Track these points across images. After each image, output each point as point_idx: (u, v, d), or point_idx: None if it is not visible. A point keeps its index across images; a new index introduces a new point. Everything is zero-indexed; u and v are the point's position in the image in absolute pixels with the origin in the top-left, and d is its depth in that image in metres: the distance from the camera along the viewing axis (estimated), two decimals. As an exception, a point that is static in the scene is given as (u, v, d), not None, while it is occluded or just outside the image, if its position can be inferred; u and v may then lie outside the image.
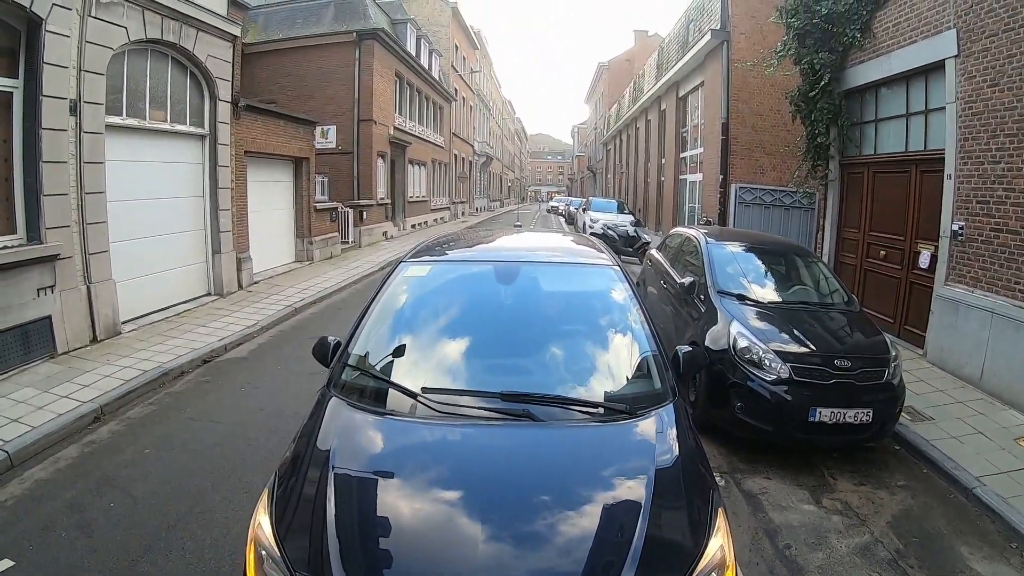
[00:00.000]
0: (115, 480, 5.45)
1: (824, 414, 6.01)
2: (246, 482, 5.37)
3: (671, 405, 3.24)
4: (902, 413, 6.67)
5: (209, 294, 12.52)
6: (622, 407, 3.17)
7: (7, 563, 4.14)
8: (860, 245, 11.87)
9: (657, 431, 3.00)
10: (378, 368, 3.48)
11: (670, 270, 9.37)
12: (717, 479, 5.75)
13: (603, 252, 5.20)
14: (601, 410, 3.17)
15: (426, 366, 3.48)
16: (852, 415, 6.03)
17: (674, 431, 3.02)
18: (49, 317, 8.09)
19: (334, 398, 3.22)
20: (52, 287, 8.17)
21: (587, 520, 2.46)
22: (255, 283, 14.30)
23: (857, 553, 4.81)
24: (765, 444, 6.41)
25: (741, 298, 7.39)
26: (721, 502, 2.72)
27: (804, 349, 6.40)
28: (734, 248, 8.47)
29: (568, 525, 2.44)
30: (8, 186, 7.99)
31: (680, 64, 23.73)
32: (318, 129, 20.84)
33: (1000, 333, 7.90)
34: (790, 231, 17.09)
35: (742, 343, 6.52)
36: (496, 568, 2.25)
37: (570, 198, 69.72)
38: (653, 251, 11.23)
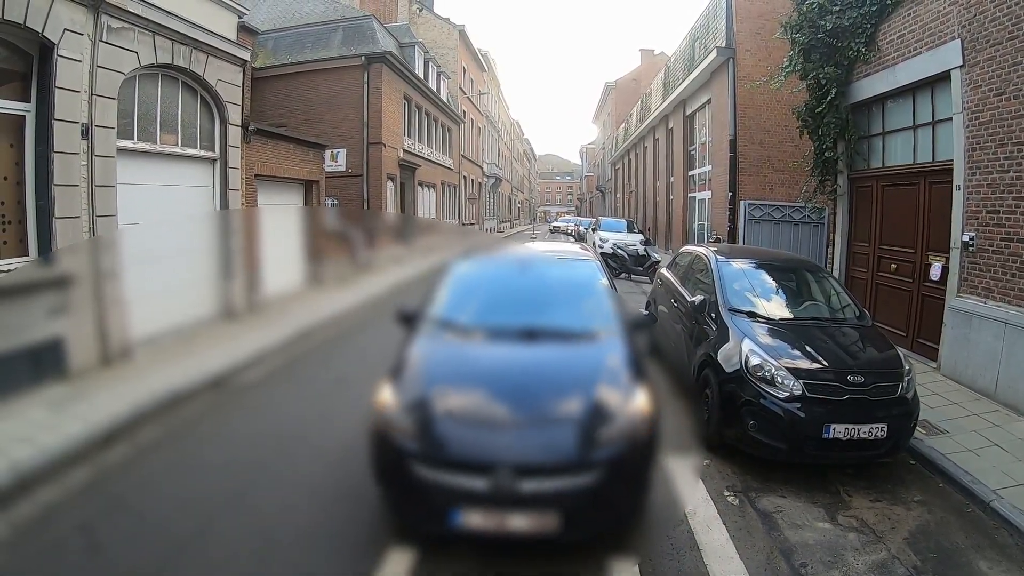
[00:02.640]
0: (126, 502, 5.43)
1: (838, 430, 5.95)
2: (255, 505, 5.34)
3: (619, 336, 4.90)
4: (917, 427, 6.61)
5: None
6: (591, 334, 4.84)
7: (17, 583, 4.12)
8: (871, 259, 11.82)
9: (609, 348, 4.69)
10: (444, 318, 4.95)
11: (680, 289, 9.32)
12: (731, 498, 5.86)
13: (588, 252, 7.85)
14: (579, 336, 4.81)
15: (473, 316, 5.06)
16: (867, 431, 5.98)
17: (620, 349, 4.68)
18: (60, 339, 8.12)
19: (417, 335, 4.63)
20: (64, 309, 8.20)
21: (559, 394, 3.99)
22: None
23: (874, 570, 4.75)
24: (779, 462, 6.34)
25: (752, 315, 7.35)
26: (646, 384, 4.17)
27: (816, 365, 6.37)
28: (744, 265, 8.44)
29: (546, 393, 4.00)
30: (20, 209, 8.08)
31: (686, 82, 23.78)
32: (327, 152, 20.97)
33: (1014, 344, 7.84)
34: (800, 247, 17.01)
35: (754, 360, 6.47)
36: (510, 417, 3.78)
37: (579, 218, 69.82)
38: (663, 270, 11.17)
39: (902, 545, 5.12)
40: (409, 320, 5.13)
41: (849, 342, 7.04)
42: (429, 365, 4.46)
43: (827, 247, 14.41)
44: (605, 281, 6.48)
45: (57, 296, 8.20)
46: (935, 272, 9.62)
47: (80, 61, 8.62)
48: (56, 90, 8.22)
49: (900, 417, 6.17)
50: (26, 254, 8.11)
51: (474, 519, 3.71)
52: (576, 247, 8.42)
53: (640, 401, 4.10)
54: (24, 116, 8.13)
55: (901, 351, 6.94)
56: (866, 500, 5.90)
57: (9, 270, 7.63)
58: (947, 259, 9.26)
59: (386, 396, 4.04)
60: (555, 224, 73.16)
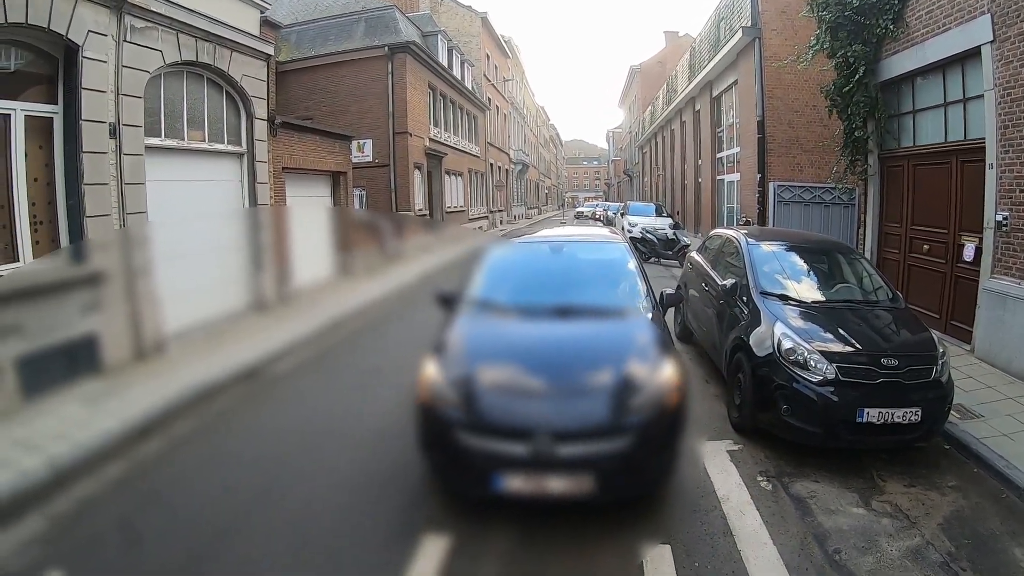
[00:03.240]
0: (160, 495, 5.51)
1: (872, 415, 5.88)
2: (287, 497, 5.40)
3: (649, 314, 5.64)
4: (951, 411, 6.52)
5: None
6: (620, 311, 5.52)
7: (57, 575, 4.21)
8: (903, 240, 11.64)
9: (638, 324, 5.31)
10: (483, 298, 5.49)
11: (711, 272, 9.27)
12: (764, 483, 5.83)
13: (617, 234, 8.44)
14: (609, 313, 5.45)
15: (510, 296, 5.61)
16: (901, 415, 5.90)
17: (648, 325, 5.36)
18: (94, 335, 8.26)
19: (458, 315, 5.15)
20: (97, 306, 8.35)
21: (592, 366, 4.40)
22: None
23: (908, 557, 4.69)
24: (813, 447, 6.28)
25: (784, 298, 7.29)
26: (673, 355, 4.79)
27: (850, 348, 6.30)
28: (775, 248, 8.36)
29: (580, 366, 4.42)
30: (51, 209, 8.26)
31: (712, 64, 23.53)
32: (354, 143, 21.03)
33: (1051, 326, 7.69)
34: (831, 228, 16.79)
35: (787, 344, 6.41)
36: (547, 388, 4.25)
37: (607, 203, 69.39)
38: (693, 253, 11.08)
39: (936, 531, 5.06)
40: (448, 302, 5.62)
41: (882, 325, 6.96)
42: (470, 342, 4.91)
43: (858, 228, 14.21)
44: (634, 262, 6.89)
45: (90, 293, 8.34)
46: (968, 253, 9.44)
47: (105, 62, 8.75)
48: (83, 91, 8.37)
49: (934, 401, 6.08)
50: (58, 253, 8.18)
51: (515, 483, 4.06)
52: (605, 230, 8.92)
53: (668, 373, 4.51)
54: (52, 118, 8.31)
55: (935, 334, 6.84)
56: (900, 485, 5.83)
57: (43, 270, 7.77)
58: (980, 239, 9.08)
59: (431, 371, 4.46)
60: (580, 210, 72.40)
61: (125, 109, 9.19)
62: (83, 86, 8.40)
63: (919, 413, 5.93)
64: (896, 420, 5.91)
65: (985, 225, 8.87)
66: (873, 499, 5.57)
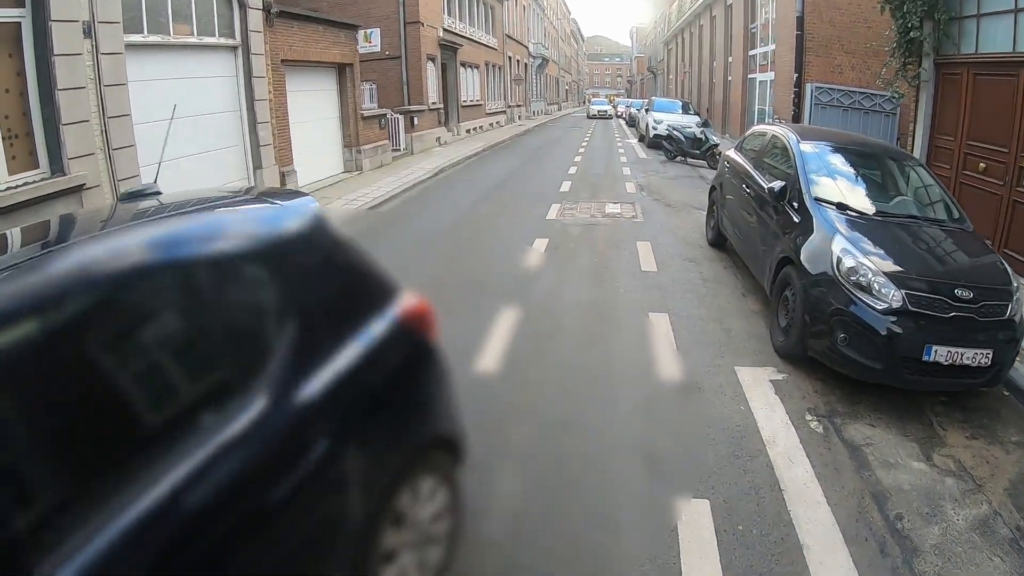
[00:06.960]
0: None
1: (941, 353, 5.14)
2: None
3: None
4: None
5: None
6: None
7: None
8: (956, 155, 10.66)
9: None
10: None
11: (753, 173, 8.46)
12: (814, 424, 5.19)
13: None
14: None
15: None
16: (971, 356, 5.16)
17: None
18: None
19: None
20: (80, 219, 7.97)
21: None
22: (301, 196, 13.98)
23: (975, 529, 4.04)
24: (866, 383, 5.58)
25: (841, 207, 6.46)
26: None
27: (918, 273, 5.54)
28: (829, 149, 7.56)
29: None
30: (26, 120, 7.79)
31: (749, -49, 22.37)
32: (360, 32, 20.14)
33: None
34: (868, 136, 16.05)
35: (848, 262, 5.62)
36: None
37: (628, 99, 67.45)
38: (731, 152, 10.24)
39: (1003, 497, 4.40)
40: None
41: (952, 249, 6.21)
42: None
43: (898, 139, 13.32)
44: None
45: (73, 206, 7.70)
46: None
47: (74, -48, 8.09)
48: (50, -11, 7.76)
49: (1005, 343, 5.34)
50: (36, 166, 7.83)
51: None
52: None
53: None
54: (20, 22, 7.68)
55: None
56: (962, 437, 5.16)
57: (19, 186, 7.43)
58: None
59: None
60: (593, 108, 62.02)
61: (100, 5, 8.49)
62: (52, -17, 7.75)
63: (990, 355, 5.21)
64: (965, 362, 5.19)
65: (1052, 147, 7.94)
66: (935, 452, 4.91)
